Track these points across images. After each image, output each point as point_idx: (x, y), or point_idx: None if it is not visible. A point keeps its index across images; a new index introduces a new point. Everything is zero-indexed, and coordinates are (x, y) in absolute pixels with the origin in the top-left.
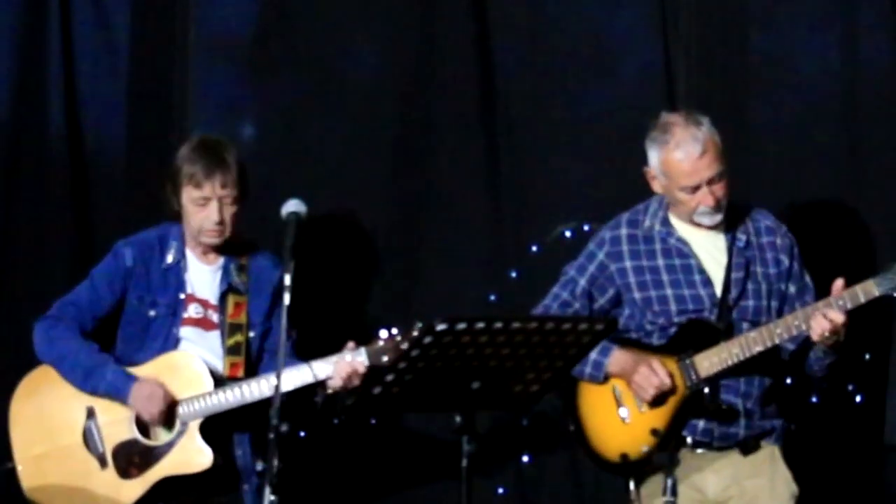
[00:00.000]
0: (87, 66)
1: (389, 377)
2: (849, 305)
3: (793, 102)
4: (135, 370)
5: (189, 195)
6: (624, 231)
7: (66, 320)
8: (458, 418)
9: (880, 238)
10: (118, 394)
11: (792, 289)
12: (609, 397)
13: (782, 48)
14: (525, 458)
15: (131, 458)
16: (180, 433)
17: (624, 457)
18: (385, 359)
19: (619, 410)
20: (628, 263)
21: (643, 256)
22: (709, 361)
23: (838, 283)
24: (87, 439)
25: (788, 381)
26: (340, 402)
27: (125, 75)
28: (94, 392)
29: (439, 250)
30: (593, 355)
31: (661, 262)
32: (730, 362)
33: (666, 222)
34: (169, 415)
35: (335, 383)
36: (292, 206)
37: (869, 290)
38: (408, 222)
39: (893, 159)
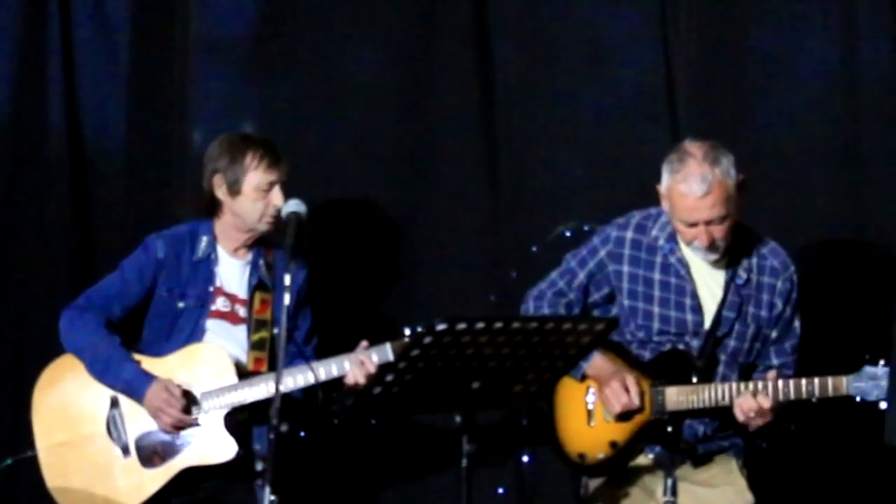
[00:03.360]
0: (87, 66)
1: (389, 377)
2: (816, 394)
3: (793, 102)
4: (161, 360)
5: (257, 181)
6: (630, 234)
7: (92, 310)
8: (458, 418)
9: (880, 238)
10: (133, 393)
11: (774, 334)
12: (582, 397)
13: (782, 48)
14: (525, 458)
15: (154, 448)
16: (204, 424)
17: (581, 457)
18: None
19: (587, 412)
20: (625, 268)
21: (642, 265)
22: (678, 398)
23: (770, 374)
24: (111, 428)
25: None
26: (340, 402)
27: (125, 75)
28: (111, 387)
29: (439, 250)
30: None
31: (657, 276)
32: (696, 406)
33: (672, 238)
34: (187, 410)
35: (351, 379)
36: (292, 206)
37: (839, 386)
38: (408, 222)
39: (893, 159)
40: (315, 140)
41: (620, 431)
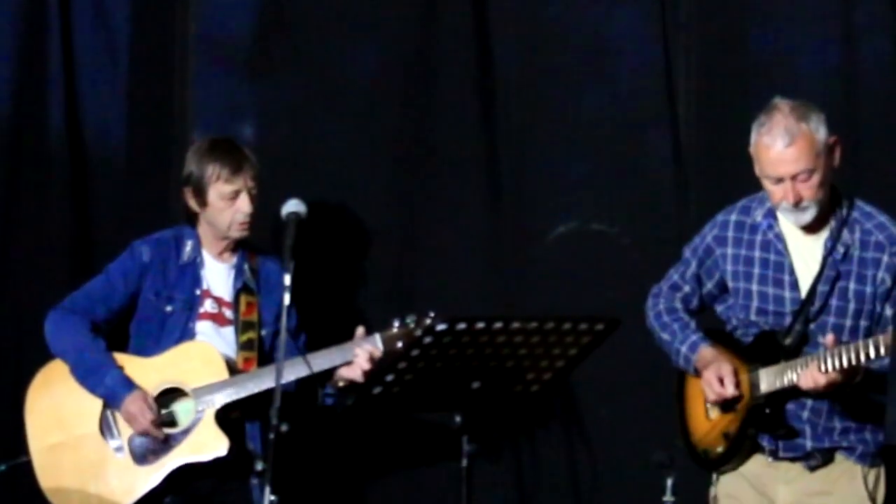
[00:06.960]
0: (87, 65)
1: (389, 377)
2: (882, 353)
3: None
4: (151, 359)
5: (219, 192)
6: (734, 217)
7: (77, 313)
8: (458, 418)
9: None
10: (113, 399)
11: (889, 311)
12: (701, 392)
13: (782, 48)
14: (525, 458)
15: (147, 446)
16: (196, 420)
17: (705, 453)
18: (399, 345)
19: (706, 406)
20: (730, 250)
21: (744, 245)
22: (768, 380)
23: (829, 338)
24: (104, 428)
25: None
26: (341, 402)
27: (125, 75)
28: (92, 392)
29: (439, 250)
30: (684, 349)
31: (757, 254)
32: (786, 386)
33: (770, 214)
34: (159, 425)
35: (351, 372)
36: (292, 206)
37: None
38: (408, 222)
39: (893, 159)
40: (315, 140)
41: (731, 422)
